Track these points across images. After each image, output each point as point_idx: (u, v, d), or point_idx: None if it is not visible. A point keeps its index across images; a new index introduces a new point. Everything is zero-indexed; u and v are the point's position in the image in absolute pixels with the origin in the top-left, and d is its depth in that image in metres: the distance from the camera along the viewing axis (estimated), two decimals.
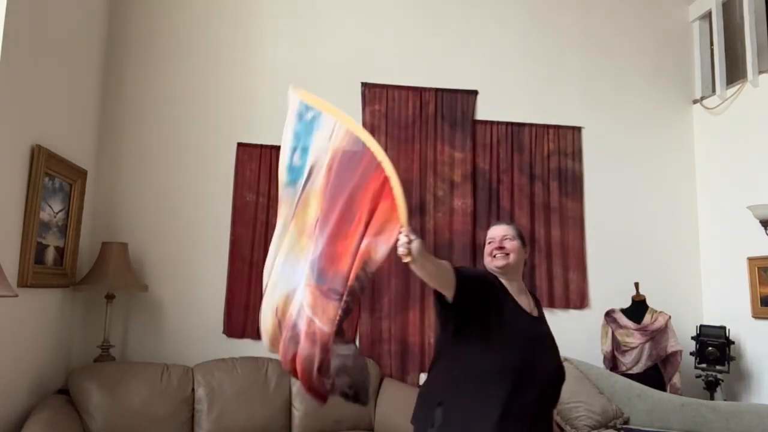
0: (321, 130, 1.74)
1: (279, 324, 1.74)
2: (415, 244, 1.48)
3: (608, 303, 3.85)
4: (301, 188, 1.77)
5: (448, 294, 1.69)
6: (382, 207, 1.50)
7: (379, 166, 1.52)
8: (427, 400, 1.87)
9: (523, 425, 1.74)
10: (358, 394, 1.63)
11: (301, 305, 1.64)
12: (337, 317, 1.53)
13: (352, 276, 1.52)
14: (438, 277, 1.66)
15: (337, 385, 1.59)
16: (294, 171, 1.83)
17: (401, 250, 1.47)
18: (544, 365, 1.83)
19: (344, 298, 1.52)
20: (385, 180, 1.49)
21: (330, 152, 1.68)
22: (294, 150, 1.84)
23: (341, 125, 1.67)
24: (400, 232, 1.46)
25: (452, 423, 1.73)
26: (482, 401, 1.72)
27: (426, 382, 1.97)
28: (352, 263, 1.53)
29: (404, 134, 3.92)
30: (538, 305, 2.03)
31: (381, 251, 1.49)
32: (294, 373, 1.70)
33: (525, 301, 1.94)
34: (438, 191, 3.90)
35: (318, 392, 1.64)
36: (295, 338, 1.64)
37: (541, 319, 1.99)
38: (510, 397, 1.71)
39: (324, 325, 1.55)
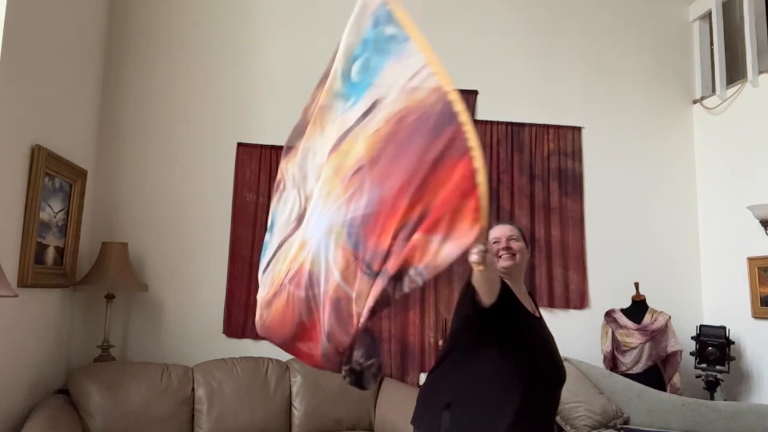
0: (400, 62, 1.36)
1: (287, 272, 1.57)
2: (491, 254, 1.36)
3: (608, 303, 3.85)
4: (356, 120, 1.45)
5: (490, 299, 1.62)
6: (454, 202, 1.22)
7: (467, 153, 1.22)
8: (431, 402, 1.83)
9: (534, 428, 1.72)
10: (365, 373, 1.51)
11: (328, 265, 1.44)
12: (372, 303, 1.31)
13: (394, 264, 1.28)
14: (494, 283, 1.60)
15: (352, 356, 1.45)
16: (350, 86, 1.52)
17: (477, 258, 1.30)
18: (552, 367, 1.83)
19: (382, 284, 1.30)
20: (471, 173, 1.21)
21: (406, 100, 1.33)
22: (355, 60, 1.50)
23: (432, 75, 1.30)
24: (477, 239, 1.22)
25: (461, 426, 1.70)
26: (495, 405, 1.69)
27: (429, 383, 1.92)
28: (392, 244, 1.29)
29: None
30: (537, 306, 2.03)
31: (448, 255, 1.22)
32: (285, 332, 1.56)
33: (528, 303, 1.94)
34: None
35: (317, 362, 1.52)
36: (315, 300, 1.48)
37: (542, 320, 1.99)
38: (522, 400, 1.68)
39: (351, 291, 1.36)
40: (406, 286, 1.28)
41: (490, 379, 1.72)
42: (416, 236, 1.25)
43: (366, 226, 1.36)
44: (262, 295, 1.79)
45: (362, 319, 1.34)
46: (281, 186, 1.86)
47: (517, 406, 1.68)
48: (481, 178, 1.19)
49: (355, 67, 1.48)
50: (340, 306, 1.39)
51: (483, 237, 1.23)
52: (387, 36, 1.39)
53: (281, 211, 1.81)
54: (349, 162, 1.44)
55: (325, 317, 1.44)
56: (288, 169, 1.82)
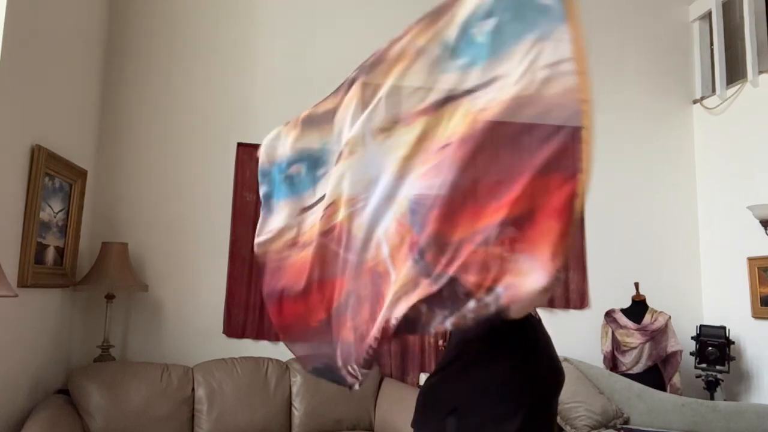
0: (543, 42, 1.09)
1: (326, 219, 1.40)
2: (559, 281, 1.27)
3: (608, 303, 3.85)
4: (465, 89, 1.21)
5: (524, 314, 1.52)
6: (545, 222, 1.05)
7: (575, 174, 1.07)
8: (434, 407, 1.80)
9: (538, 431, 1.72)
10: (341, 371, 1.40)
11: (376, 235, 1.29)
12: (415, 299, 1.12)
13: (457, 269, 1.08)
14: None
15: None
16: (468, 43, 1.22)
17: (550, 287, 1.20)
18: (554, 370, 1.82)
19: (434, 287, 1.10)
20: (571, 196, 1.06)
21: (530, 88, 1.09)
22: (488, 15, 1.19)
23: (574, 73, 1.07)
24: (557, 268, 1.05)
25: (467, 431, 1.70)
26: (502, 411, 1.67)
27: (431, 387, 1.89)
28: (460, 241, 1.09)
29: None
30: None
31: (535, 283, 1.02)
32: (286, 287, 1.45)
33: None
34: None
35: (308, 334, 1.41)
36: (345, 264, 1.35)
37: (541, 321, 1.98)
38: (529, 406, 1.68)
39: (394, 272, 1.21)
40: (471, 311, 1.06)
41: (498, 386, 1.70)
42: (498, 249, 1.05)
43: (436, 210, 1.16)
44: (291, 232, 1.60)
45: (393, 322, 1.16)
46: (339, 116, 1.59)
47: (524, 412, 1.66)
48: (579, 206, 1.05)
49: (485, 25, 1.19)
50: (379, 281, 1.25)
51: (563, 265, 1.06)
52: (539, 4, 1.11)
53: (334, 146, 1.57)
54: (440, 133, 1.22)
55: (355, 286, 1.31)
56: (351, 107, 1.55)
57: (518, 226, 1.05)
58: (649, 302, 3.78)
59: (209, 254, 3.65)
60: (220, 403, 3.10)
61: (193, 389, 3.13)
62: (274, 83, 3.85)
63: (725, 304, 3.95)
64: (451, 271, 1.08)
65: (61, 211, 3.05)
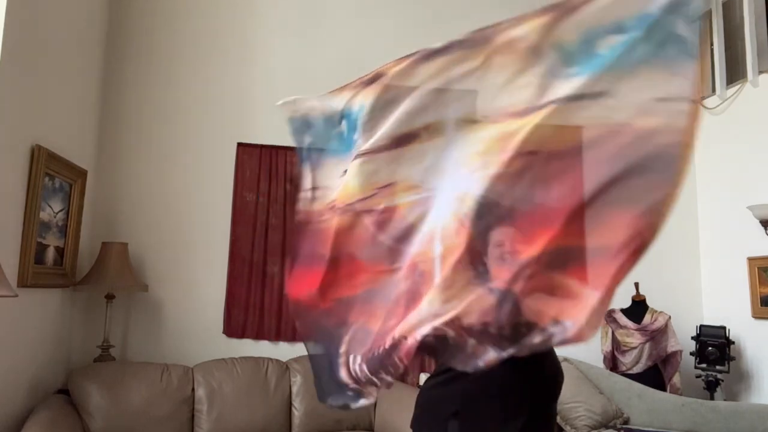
0: (666, 72, 1.03)
1: (367, 197, 1.32)
2: None
3: None
4: (564, 97, 1.13)
5: None
6: (615, 257, 1.00)
7: (654, 216, 1.03)
8: (435, 409, 1.80)
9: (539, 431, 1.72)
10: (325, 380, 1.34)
11: (434, 231, 1.21)
12: (462, 309, 1.07)
13: (525, 288, 1.03)
14: None
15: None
16: (586, 53, 1.14)
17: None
18: (554, 369, 1.82)
19: (493, 298, 1.06)
20: (645, 235, 1.03)
21: (634, 117, 1.03)
22: (619, 30, 1.10)
23: (685, 114, 0.98)
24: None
25: None
26: (504, 413, 1.67)
27: (431, 389, 1.88)
28: (528, 261, 1.04)
29: None
30: None
31: (596, 319, 0.98)
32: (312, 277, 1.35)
33: None
34: None
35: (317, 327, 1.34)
36: (393, 254, 1.26)
37: None
38: (531, 408, 1.68)
39: (438, 275, 1.14)
40: (534, 343, 1.00)
41: (499, 388, 1.70)
42: (565, 277, 1.02)
43: (510, 222, 1.11)
44: (333, 194, 1.49)
45: (422, 334, 1.09)
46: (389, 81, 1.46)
47: (526, 414, 1.66)
48: (645, 248, 1.01)
49: (611, 41, 1.10)
50: (419, 280, 1.19)
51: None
52: (676, 34, 1.03)
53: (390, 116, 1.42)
54: (524, 137, 1.14)
55: (393, 278, 1.25)
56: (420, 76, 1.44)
57: (589, 256, 1.00)
58: (649, 302, 3.78)
59: (209, 254, 3.65)
60: (220, 403, 3.10)
61: (193, 389, 3.13)
62: (274, 83, 3.84)
63: (725, 304, 3.95)
64: (514, 288, 1.02)
65: (61, 211, 3.05)
